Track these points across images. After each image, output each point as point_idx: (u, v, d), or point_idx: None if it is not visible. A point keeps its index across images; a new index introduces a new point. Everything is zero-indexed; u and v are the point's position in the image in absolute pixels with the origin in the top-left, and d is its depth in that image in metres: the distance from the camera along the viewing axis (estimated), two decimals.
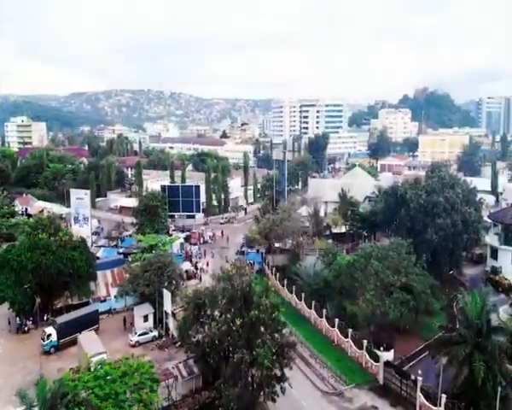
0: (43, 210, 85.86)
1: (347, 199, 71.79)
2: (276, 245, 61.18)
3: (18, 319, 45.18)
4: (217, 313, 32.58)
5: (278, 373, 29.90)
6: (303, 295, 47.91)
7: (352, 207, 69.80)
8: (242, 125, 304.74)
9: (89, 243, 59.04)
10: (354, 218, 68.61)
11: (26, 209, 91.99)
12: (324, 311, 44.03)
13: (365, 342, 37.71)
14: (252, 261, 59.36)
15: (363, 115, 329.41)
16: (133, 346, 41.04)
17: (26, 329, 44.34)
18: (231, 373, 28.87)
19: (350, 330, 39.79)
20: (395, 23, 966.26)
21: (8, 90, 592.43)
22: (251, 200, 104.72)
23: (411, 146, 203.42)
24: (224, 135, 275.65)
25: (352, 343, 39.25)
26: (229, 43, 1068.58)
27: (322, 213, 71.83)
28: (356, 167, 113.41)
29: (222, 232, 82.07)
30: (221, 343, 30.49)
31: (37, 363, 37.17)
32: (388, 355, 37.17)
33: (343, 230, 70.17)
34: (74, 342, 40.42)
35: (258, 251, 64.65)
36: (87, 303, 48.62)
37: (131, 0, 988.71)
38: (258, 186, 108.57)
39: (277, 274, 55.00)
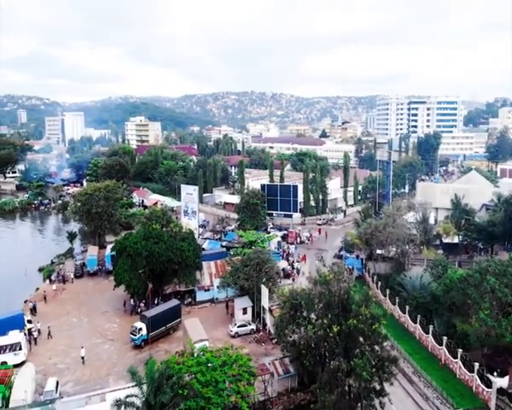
0: (156, 203, 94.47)
1: (461, 206, 65.41)
2: (378, 252, 58.14)
3: (132, 301, 49.90)
4: (313, 316, 32.28)
5: (377, 387, 28.56)
6: (407, 307, 44.89)
7: (466, 215, 63.34)
8: (343, 123, 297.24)
9: (196, 235, 62.97)
10: (469, 228, 62.15)
11: (143, 201, 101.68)
12: (431, 327, 40.75)
13: (477, 364, 34.05)
14: (351, 267, 57.52)
15: (480, 114, 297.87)
16: (233, 337, 42.56)
17: (139, 310, 48.51)
18: (327, 379, 28.32)
19: (460, 350, 36.27)
20: (509, 13, 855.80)
21: (129, 92, 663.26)
22: (351, 202, 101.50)
23: None
24: (324, 134, 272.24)
25: (462, 365, 35.75)
26: (329, 41, 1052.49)
27: (431, 221, 66.44)
28: (472, 171, 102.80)
29: (319, 231, 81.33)
30: (317, 348, 30.27)
31: (146, 342, 40.70)
32: (502, 382, 33.01)
33: (455, 240, 63.92)
34: (161, 336, 42.51)
35: (357, 257, 62.39)
36: (192, 291, 52.00)
37: (236, 7, 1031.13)
38: (360, 188, 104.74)
39: (379, 283, 52.39)
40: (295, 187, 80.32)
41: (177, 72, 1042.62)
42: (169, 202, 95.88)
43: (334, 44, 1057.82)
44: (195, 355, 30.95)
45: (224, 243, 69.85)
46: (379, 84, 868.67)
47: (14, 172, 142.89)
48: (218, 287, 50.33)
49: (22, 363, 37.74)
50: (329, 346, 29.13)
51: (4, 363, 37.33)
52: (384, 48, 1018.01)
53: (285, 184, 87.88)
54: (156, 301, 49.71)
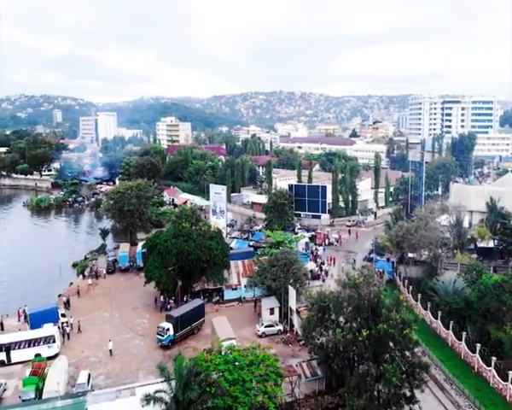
0: (186, 201, 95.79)
1: (497, 209, 62.95)
2: (410, 255, 56.72)
3: (162, 297, 50.85)
4: (342, 319, 32.02)
5: (407, 393, 28.00)
6: (439, 313, 43.65)
7: (502, 219, 60.91)
8: (374, 123, 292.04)
9: (224, 234, 63.40)
10: (504, 232, 59.67)
11: (173, 200, 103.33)
12: (464, 334, 39.46)
13: (511, 373, 32.69)
14: (381, 270, 56.41)
15: None
16: (260, 336, 42.59)
17: (168, 307, 49.44)
18: (356, 384, 27.93)
19: (493, 358, 34.98)
20: None
21: (160, 93, 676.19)
22: (382, 204, 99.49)
23: None
24: (354, 134, 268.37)
25: (496, 373, 34.48)
26: (359, 39, 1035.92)
27: (465, 224, 64.39)
28: (508, 173, 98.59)
29: (349, 232, 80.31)
30: (346, 351, 29.96)
31: (173, 343, 41.03)
32: None
33: (490, 244, 61.55)
34: (186, 336, 42.60)
35: (388, 260, 61.08)
36: (220, 289, 52.43)
37: (265, 7, 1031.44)
38: (391, 189, 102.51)
39: (410, 288, 51.13)
40: (324, 188, 79.48)
41: (206, 73, 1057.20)
42: (198, 201, 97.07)
43: (365, 42, 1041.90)
44: (223, 354, 31.13)
45: (251, 243, 70.06)
46: (411, 83, 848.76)
47: (50, 171, 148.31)
48: (245, 286, 50.57)
49: (56, 355, 39.07)
50: (358, 350, 28.80)
51: (38, 355, 38.71)
52: (417, 46, 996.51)
53: (313, 184, 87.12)
54: (185, 299, 50.38)
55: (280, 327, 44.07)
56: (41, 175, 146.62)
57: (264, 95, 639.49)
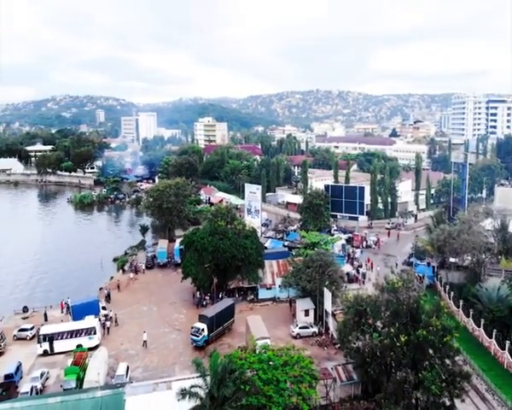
0: (222, 200, 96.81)
1: None
2: (452, 260, 54.58)
3: (198, 293, 51.75)
4: (379, 324, 31.46)
5: (447, 402, 27.15)
6: (482, 321, 41.76)
7: None
8: (415, 122, 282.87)
9: (258, 234, 63.63)
10: None
11: (209, 198, 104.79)
12: (508, 342, 37.54)
13: None
14: (421, 275, 54.62)
15: None
16: (294, 337, 42.36)
17: (204, 303, 50.39)
18: (393, 390, 27.34)
19: None
20: None
21: (198, 93, 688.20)
22: (422, 206, 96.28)
23: None
24: (394, 133, 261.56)
25: None
26: (399, 36, 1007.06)
27: (511, 229, 61.14)
28: None
29: (389, 234, 78.46)
30: (383, 357, 29.42)
31: (208, 343, 41.30)
32: None
33: None
34: (219, 337, 42.56)
35: (428, 264, 59.03)
36: (255, 288, 52.62)
37: (301, 5, 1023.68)
38: (432, 191, 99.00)
39: (451, 293, 49.24)
40: (362, 188, 77.84)
41: (243, 73, 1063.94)
42: (233, 200, 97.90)
43: (406, 39, 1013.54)
44: (257, 352, 31.21)
45: (286, 243, 69.85)
46: (455, 81, 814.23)
47: (93, 168, 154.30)
48: (279, 286, 50.43)
49: (96, 347, 40.54)
50: (396, 356, 28.24)
51: (80, 346, 40.32)
52: (461, 42, 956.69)
53: (351, 185, 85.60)
54: (220, 296, 51.01)
55: (315, 329, 43.65)
56: (84, 172, 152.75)
57: (301, 94, 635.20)
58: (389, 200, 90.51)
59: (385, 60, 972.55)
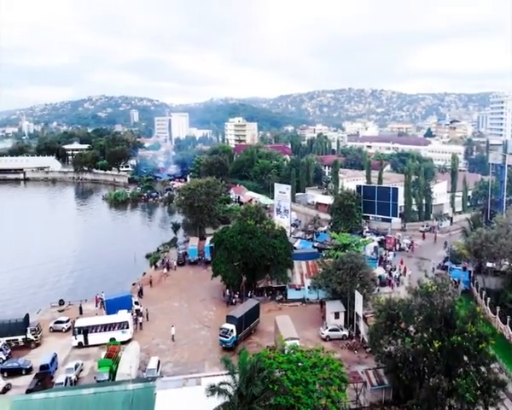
0: (251, 200, 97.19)
1: None
2: (489, 265, 52.49)
3: (227, 291, 52.12)
4: (412, 328, 30.81)
5: None
6: None
7: None
8: (452, 122, 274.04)
9: (287, 234, 63.34)
10: None
11: (239, 198, 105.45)
12: None
13: None
14: (456, 279, 52.77)
15: None
16: (324, 340, 41.90)
17: (233, 301, 50.73)
18: (426, 397, 26.72)
19: None
20: None
21: (229, 94, 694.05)
22: (458, 208, 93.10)
23: None
24: (429, 133, 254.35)
25: None
26: (435, 33, 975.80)
27: None
28: None
29: (423, 236, 76.53)
30: (415, 362, 28.80)
31: (236, 344, 41.19)
32: None
33: None
34: (245, 337, 42.29)
35: (464, 269, 56.96)
36: (284, 288, 52.42)
37: (333, 2, 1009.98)
38: (469, 194, 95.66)
39: (488, 299, 47.32)
40: (395, 190, 76.00)
41: (273, 73, 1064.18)
42: (263, 199, 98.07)
43: (442, 37, 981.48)
44: (286, 352, 31.07)
45: (315, 244, 69.21)
46: (493, 80, 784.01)
47: (127, 167, 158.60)
48: (309, 287, 50.05)
49: (128, 341, 41.56)
50: (429, 362, 27.65)
51: (113, 339, 41.33)
52: (499, 40, 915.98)
53: (384, 186, 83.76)
54: (249, 294, 51.18)
55: (345, 332, 43.04)
56: (119, 171, 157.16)
57: (332, 93, 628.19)
58: (424, 202, 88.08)
59: (420, 57, 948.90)
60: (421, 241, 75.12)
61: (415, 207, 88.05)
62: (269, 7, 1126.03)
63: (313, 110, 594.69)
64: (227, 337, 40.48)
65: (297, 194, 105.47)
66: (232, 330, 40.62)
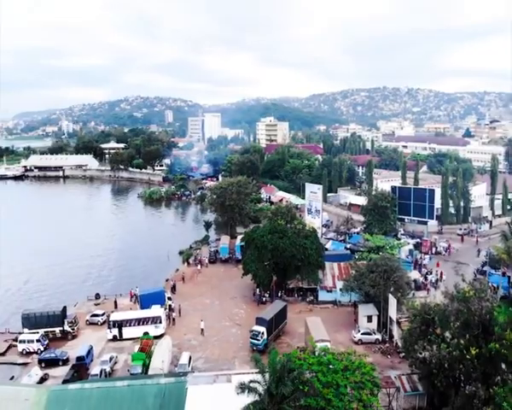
0: (282, 199, 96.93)
1: None
2: None
3: (258, 290, 52.22)
4: (448, 334, 29.88)
5: None
6: None
7: None
8: (492, 122, 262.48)
9: (319, 235, 62.72)
10: None
11: (269, 197, 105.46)
12: None
13: None
14: (495, 285, 50.58)
15: None
16: (356, 343, 41.13)
17: (263, 300, 50.79)
18: (461, 405, 25.85)
19: None
20: None
21: (260, 94, 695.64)
22: (498, 212, 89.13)
23: None
24: (468, 134, 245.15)
25: None
26: (475, 30, 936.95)
27: None
28: None
29: (462, 239, 74.01)
30: (451, 369, 27.84)
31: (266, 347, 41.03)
32: None
33: None
34: (274, 339, 41.64)
35: (504, 274, 54.44)
36: (314, 289, 51.93)
37: (366, 1, 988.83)
38: (510, 196, 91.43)
39: None
40: (432, 191, 73.51)
41: (305, 72, 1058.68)
42: (294, 199, 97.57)
43: (480, 34, 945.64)
44: (316, 354, 30.77)
45: (348, 246, 68.14)
46: None
47: (162, 166, 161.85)
48: (340, 290, 49.26)
49: (161, 335, 42.28)
50: (465, 369, 26.76)
51: (146, 333, 42.25)
52: None
53: (420, 187, 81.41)
54: (280, 294, 51.03)
55: (378, 336, 42.12)
56: (154, 170, 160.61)
57: (367, 91, 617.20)
58: (461, 204, 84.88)
59: (459, 55, 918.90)
60: (459, 244, 72.49)
61: (452, 210, 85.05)
62: (300, 5, 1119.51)
63: (346, 109, 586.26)
64: (258, 340, 40.07)
65: (329, 194, 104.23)
66: (263, 333, 40.23)
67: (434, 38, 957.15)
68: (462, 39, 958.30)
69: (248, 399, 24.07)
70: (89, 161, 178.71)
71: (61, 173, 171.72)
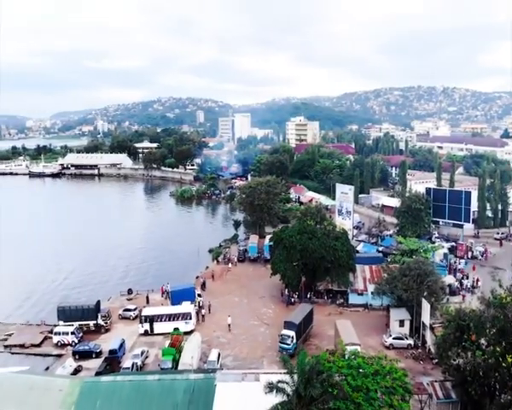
0: (312, 200, 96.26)
1: None
2: None
3: (286, 291, 52.01)
4: (483, 341, 28.75)
5: None
6: None
7: None
8: None
9: (350, 236, 61.82)
10: None
11: (299, 197, 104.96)
12: None
13: None
14: None
15: None
16: (387, 348, 40.31)
17: (292, 301, 50.56)
18: None
19: None
20: None
21: (291, 93, 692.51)
22: None
23: None
24: (507, 134, 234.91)
25: None
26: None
27: None
28: None
29: (501, 243, 71.48)
30: (486, 377, 26.81)
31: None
32: None
33: None
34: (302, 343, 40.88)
35: None
36: (345, 292, 51.21)
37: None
38: None
39: None
40: (468, 193, 70.94)
41: (337, 70, 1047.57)
42: (324, 200, 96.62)
43: None
44: (346, 357, 30.36)
45: (380, 248, 66.88)
46: None
47: (193, 165, 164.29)
48: (372, 293, 48.31)
49: (191, 332, 42.92)
50: (501, 377, 25.77)
51: (177, 329, 42.86)
52: None
53: (455, 189, 78.83)
54: (309, 296, 50.65)
55: (410, 341, 41.15)
56: (185, 169, 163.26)
57: (400, 90, 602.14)
58: (499, 207, 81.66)
59: (497, 53, 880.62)
60: (497, 249, 69.65)
61: (489, 213, 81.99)
62: (334, 3, 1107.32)
63: (379, 108, 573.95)
64: (288, 344, 39.37)
65: (360, 195, 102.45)
66: (293, 337, 39.66)
67: (470, 36, 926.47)
68: (501, 37, 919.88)
69: (276, 399, 24.01)
70: (123, 159, 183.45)
71: (96, 171, 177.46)
